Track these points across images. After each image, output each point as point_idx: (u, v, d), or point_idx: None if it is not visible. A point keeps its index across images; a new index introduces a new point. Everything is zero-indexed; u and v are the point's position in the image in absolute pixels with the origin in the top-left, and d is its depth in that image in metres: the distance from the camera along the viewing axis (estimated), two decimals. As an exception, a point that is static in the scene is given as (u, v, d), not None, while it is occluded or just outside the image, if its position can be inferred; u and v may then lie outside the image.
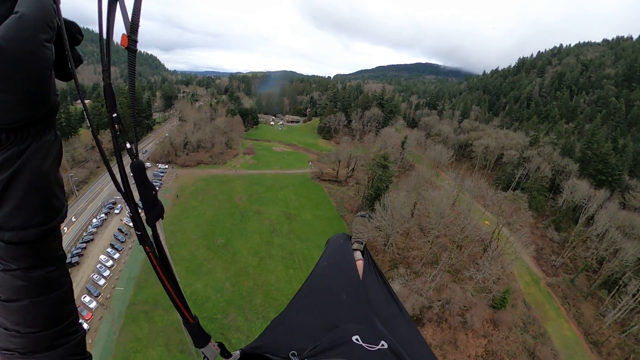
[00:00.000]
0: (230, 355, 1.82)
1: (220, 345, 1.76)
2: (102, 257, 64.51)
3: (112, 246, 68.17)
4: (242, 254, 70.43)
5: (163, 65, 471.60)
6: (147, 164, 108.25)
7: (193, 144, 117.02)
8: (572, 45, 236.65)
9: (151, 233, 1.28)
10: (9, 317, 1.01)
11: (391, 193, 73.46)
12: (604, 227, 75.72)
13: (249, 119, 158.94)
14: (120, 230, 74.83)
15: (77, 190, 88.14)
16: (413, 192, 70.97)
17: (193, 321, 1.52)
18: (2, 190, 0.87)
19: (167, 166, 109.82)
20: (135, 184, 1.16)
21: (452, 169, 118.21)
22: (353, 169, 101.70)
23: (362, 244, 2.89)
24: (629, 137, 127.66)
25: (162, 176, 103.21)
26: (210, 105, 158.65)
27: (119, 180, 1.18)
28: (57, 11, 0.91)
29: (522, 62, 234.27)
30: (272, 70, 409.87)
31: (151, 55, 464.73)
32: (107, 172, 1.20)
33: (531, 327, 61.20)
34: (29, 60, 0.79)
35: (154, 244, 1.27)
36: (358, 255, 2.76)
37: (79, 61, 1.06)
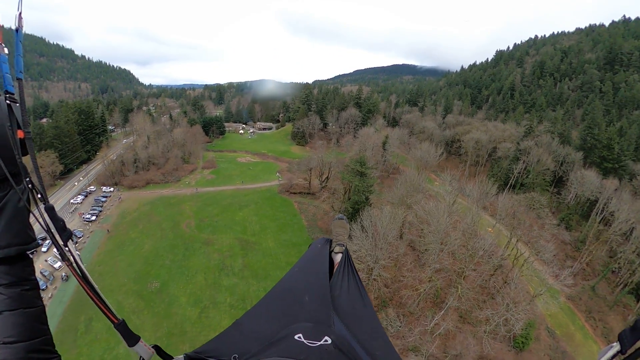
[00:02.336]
0: (172, 358, 1.81)
1: (156, 347, 1.77)
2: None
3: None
4: (179, 303, 51.32)
5: (137, 80, 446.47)
6: (92, 187, 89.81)
7: (143, 161, 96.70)
8: (547, 36, 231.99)
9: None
10: None
11: (373, 207, 54.60)
12: (628, 224, 61.13)
13: (214, 128, 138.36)
14: (42, 273, 57.18)
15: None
16: (400, 205, 51.78)
17: (117, 321, 1.60)
18: None
19: (112, 189, 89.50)
20: (50, 219, 1.41)
21: (442, 169, 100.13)
22: (327, 178, 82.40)
23: (343, 246, 2.87)
24: (624, 120, 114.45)
25: (104, 201, 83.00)
26: (170, 116, 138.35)
27: (39, 219, 1.41)
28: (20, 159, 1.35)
29: (500, 54, 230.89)
30: (250, 79, 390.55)
31: (124, 69, 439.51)
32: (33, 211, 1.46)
33: (561, 365, 45.48)
34: (1, 138, 1.26)
35: (71, 260, 1.48)
36: (339, 257, 2.73)
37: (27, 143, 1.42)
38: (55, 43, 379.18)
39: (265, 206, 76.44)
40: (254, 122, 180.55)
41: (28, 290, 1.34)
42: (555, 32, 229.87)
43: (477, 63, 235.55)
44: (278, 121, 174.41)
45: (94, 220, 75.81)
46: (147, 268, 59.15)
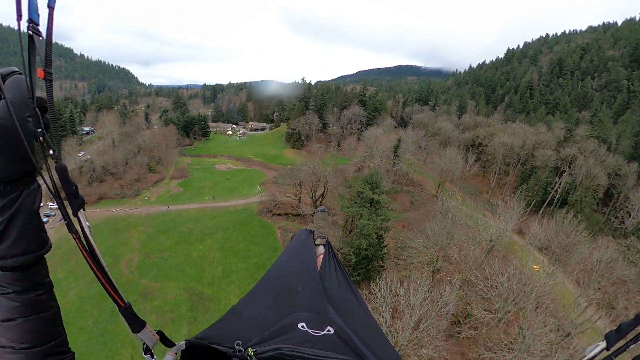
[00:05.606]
0: (174, 344, 1.78)
1: (160, 333, 1.69)
2: None
3: None
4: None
5: (136, 79, 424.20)
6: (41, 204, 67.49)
7: (98, 171, 75.16)
8: (559, 34, 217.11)
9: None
10: (5, 335, 1.15)
11: (390, 252, 32.54)
12: None
13: (196, 129, 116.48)
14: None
15: None
16: (438, 258, 29.60)
17: (124, 305, 1.45)
18: (5, 227, 1.09)
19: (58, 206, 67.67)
20: (60, 182, 1.21)
21: (465, 181, 77.86)
22: (322, 195, 60.20)
23: (325, 238, 2.82)
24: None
25: (44, 222, 60.20)
26: (146, 115, 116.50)
27: (47, 180, 1.24)
28: (32, 91, 1.09)
29: (512, 53, 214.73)
30: (252, 80, 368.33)
31: (124, 69, 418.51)
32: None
33: None
34: (19, 129, 1.02)
35: (79, 233, 1.28)
36: (321, 249, 2.69)
37: (49, 124, 1.17)
38: (54, 42, 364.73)
39: (236, 235, 54.21)
40: (246, 122, 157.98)
41: (42, 294, 1.22)
42: (567, 31, 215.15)
43: (487, 62, 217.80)
44: (272, 121, 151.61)
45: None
46: (68, 313, 40.82)
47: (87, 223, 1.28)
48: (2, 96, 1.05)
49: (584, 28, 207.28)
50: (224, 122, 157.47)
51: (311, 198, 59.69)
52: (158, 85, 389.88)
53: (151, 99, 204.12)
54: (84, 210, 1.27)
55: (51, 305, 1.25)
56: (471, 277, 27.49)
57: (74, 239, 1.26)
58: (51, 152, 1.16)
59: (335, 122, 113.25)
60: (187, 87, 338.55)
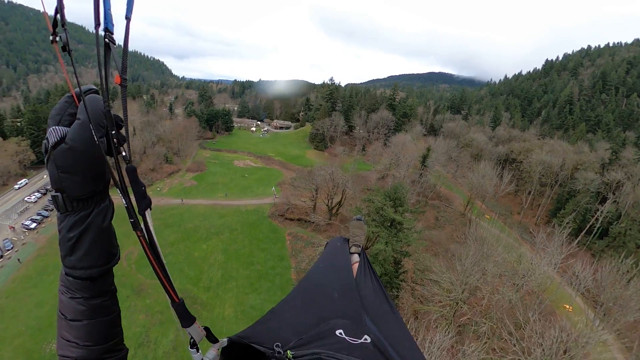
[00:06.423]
0: (217, 341, 1.80)
1: (207, 329, 1.74)
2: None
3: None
4: None
5: (170, 71, 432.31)
6: (34, 196, 64.69)
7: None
8: (602, 46, 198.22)
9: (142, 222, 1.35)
10: (71, 332, 1.24)
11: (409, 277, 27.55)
12: None
13: (219, 123, 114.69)
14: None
15: None
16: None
17: (179, 301, 1.52)
18: (75, 242, 1.15)
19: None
20: (130, 182, 1.26)
21: (495, 199, 71.13)
22: (340, 203, 55.51)
23: (360, 247, 2.77)
24: None
25: (44, 216, 57.83)
26: (170, 107, 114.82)
27: (117, 178, 1.24)
28: (108, 109, 1.10)
29: (550, 64, 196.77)
30: (283, 79, 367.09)
31: (158, 60, 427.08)
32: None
33: None
34: (90, 152, 1.06)
35: (144, 230, 1.33)
36: (355, 258, 2.67)
37: (123, 140, 1.20)
38: (93, 32, 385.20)
39: (243, 238, 50.46)
40: (271, 120, 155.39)
41: (107, 301, 1.31)
42: (611, 43, 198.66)
43: (523, 73, 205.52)
44: (298, 120, 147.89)
45: (32, 229, 54.37)
46: (53, 315, 35.85)
47: (151, 222, 1.33)
48: (87, 115, 1.06)
49: (629, 41, 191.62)
50: (249, 118, 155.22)
51: (327, 205, 55.19)
52: (190, 78, 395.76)
53: (180, 91, 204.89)
54: (150, 209, 1.32)
55: (114, 310, 1.33)
56: (503, 332, 22.19)
57: (138, 236, 1.29)
58: (123, 153, 1.20)
59: (361, 125, 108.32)
60: (219, 82, 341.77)
